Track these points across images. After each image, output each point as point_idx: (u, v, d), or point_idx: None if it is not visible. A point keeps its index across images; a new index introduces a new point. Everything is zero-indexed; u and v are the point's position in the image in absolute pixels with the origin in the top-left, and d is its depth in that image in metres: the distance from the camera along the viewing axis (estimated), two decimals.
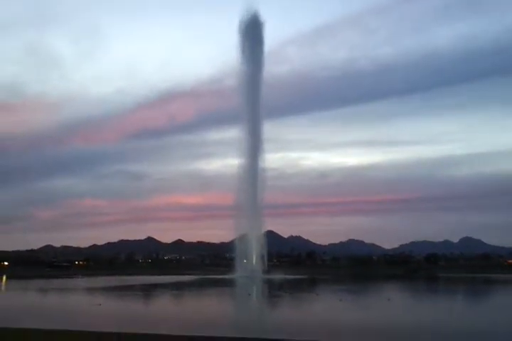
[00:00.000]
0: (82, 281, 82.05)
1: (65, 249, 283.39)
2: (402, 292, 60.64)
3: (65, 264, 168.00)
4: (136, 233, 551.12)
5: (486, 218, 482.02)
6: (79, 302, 40.79)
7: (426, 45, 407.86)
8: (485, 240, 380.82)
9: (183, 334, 20.36)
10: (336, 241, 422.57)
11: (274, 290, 61.67)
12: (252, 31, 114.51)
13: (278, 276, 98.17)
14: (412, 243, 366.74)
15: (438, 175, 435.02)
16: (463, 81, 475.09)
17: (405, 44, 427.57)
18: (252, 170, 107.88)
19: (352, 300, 41.88)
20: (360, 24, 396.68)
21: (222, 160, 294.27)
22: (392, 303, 38.87)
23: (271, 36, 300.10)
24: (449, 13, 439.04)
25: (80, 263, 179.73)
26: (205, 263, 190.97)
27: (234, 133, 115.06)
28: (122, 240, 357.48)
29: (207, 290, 60.97)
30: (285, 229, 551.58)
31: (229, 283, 74.29)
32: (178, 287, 65.50)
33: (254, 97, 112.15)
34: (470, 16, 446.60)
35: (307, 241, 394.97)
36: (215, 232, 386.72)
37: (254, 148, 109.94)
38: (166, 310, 35.28)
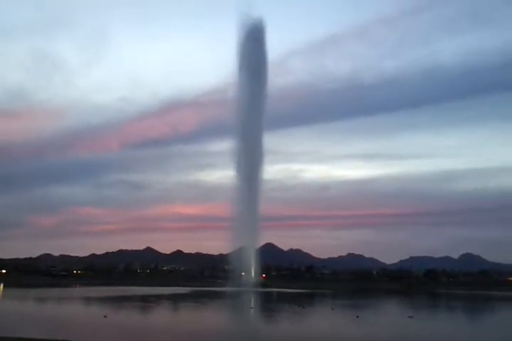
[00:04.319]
0: (79, 291, 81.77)
1: (64, 257, 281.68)
2: (416, 309, 58.92)
3: (62, 273, 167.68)
4: (136, 243, 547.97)
5: (487, 234, 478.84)
6: (82, 313, 40.88)
7: (431, 57, 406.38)
8: (485, 257, 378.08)
9: None
10: (336, 255, 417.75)
11: (275, 304, 61.58)
12: (254, 41, 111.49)
13: (276, 290, 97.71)
14: (412, 258, 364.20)
15: (439, 190, 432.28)
16: (467, 95, 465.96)
17: (411, 57, 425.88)
18: (250, 182, 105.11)
19: (372, 317, 40.08)
20: (365, 36, 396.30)
21: (223, 171, 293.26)
22: (418, 321, 38.06)
23: (274, 47, 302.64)
24: (456, 26, 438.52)
25: (79, 272, 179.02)
26: (204, 274, 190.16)
27: (235, 145, 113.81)
28: (121, 250, 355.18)
29: (210, 303, 60.47)
30: (285, 241, 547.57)
31: (228, 296, 74.03)
32: (179, 299, 65.28)
33: (254, 109, 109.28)
34: (477, 29, 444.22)
35: (307, 254, 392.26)
36: (214, 243, 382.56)
37: (252, 159, 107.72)
38: (175, 324, 35.07)
